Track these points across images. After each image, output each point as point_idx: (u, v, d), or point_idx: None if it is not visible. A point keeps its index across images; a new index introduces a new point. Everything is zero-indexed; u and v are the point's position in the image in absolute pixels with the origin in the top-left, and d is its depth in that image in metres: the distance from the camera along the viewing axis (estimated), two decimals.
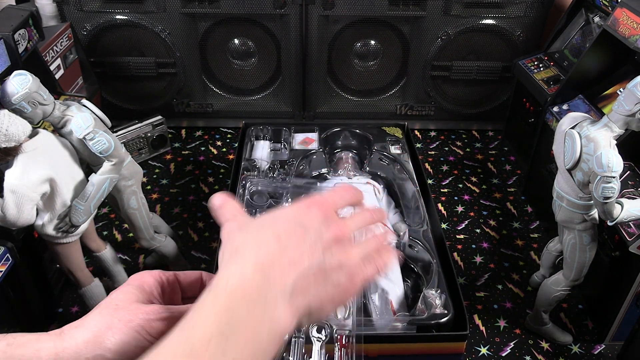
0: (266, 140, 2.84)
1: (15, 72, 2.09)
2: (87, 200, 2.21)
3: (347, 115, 3.95)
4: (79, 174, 2.29)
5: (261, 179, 0.64)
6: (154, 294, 0.54)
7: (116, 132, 3.35)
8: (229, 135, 4.02)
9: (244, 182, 2.45)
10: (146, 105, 3.86)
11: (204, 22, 3.60)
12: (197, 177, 3.60)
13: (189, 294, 0.60)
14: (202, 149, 3.87)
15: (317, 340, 0.59)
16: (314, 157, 2.75)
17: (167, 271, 0.57)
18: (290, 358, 0.59)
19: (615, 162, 1.85)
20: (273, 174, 2.48)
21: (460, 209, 3.37)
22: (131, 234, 2.99)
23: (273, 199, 0.63)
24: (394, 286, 2.07)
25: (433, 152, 3.89)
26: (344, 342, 0.61)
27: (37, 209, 2.14)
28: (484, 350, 2.53)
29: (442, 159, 3.83)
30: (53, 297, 2.66)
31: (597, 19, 3.05)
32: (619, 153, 1.89)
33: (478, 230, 3.21)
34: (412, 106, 3.96)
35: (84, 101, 2.39)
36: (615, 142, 1.93)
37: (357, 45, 3.74)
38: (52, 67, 2.98)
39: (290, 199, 0.67)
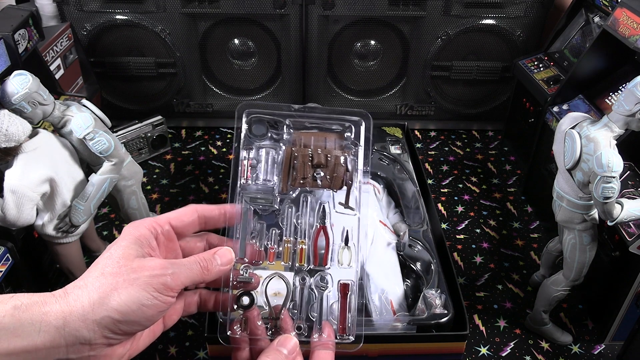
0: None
1: (15, 72, 2.09)
2: (87, 200, 2.22)
3: None
4: (79, 174, 2.29)
5: (260, 109, 0.59)
6: (151, 245, 0.53)
7: (116, 132, 3.35)
8: (229, 135, 4.02)
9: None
10: (146, 105, 3.86)
11: (204, 22, 3.60)
12: (197, 177, 3.59)
13: (186, 235, 0.59)
14: (202, 149, 3.87)
15: (320, 289, 0.59)
16: None
17: (160, 219, 0.56)
18: (295, 311, 0.58)
19: (615, 162, 1.85)
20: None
21: (460, 209, 3.37)
22: None
23: (273, 128, 0.58)
24: (394, 286, 2.07)
25: (433, 152, 3.89)
26: (345, 290, 0.60)
27: (37, 209, 2.14)
28: (484, 350, 2.53)
29: (442, 159, 3.83)
30: None
31: (597, 19, 3.05)
32: (619, 153, 1.89)
33: (478, 230, 3.21)
34: (412, 106, 3.96)
35: (84, 101, 2.39)
36: (615, 142, 1.93)
37: (357, 45, 3.74)
38: (52, 67, 2.98)
39: (291, 129, 0.63)
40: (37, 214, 2.16)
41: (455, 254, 3.04)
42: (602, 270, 2.45)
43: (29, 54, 2.67)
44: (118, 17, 3.48)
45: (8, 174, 2.02)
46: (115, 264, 0.49)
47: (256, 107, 0.64)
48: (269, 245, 0.61)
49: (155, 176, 3.59)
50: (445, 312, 1.87)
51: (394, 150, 2.79)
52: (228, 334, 0.57)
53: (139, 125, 3.54)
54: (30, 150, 2.04)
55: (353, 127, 0.65)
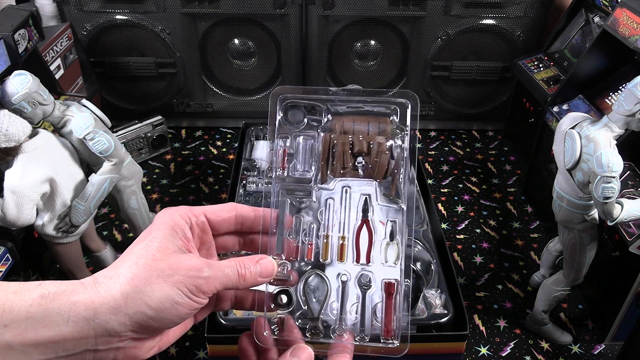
0: (266, 140, 2.84)
1: (15, 72, 2.09)
2: (87, 200, 2.22)
3: None
4: (79, 174, 2.29)
5: (296, 93, 0.54)
6: (186, 236, 0.51)
7: (116, 132, 3.35)
8: (229, 135, 4.02)
9: (244, 182, 2.45)
10: (146, 105, 3.86)
11: (204, 22, 3.60)
12: (197, 177, 3.59)
13: (222, 231, 0.56)
14: (202, 149, 3.87)
15: (363, 288, 0.55)
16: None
17: (196, 209, 0.53)
18: (335, 311, 0.56)
19: (615, 162, 1.85)
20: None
21: (460, 209, 3.37)
22: (131, 234, 2.99)
23: (311, 114, 0.52)
24: None
25: (433, 152, 3.89)
26: (390, 290, 0.56)
27: (37, 209, 2.14)
28: (484, 350, 2.53)
29: (442, 159, 3.83)
30: None
31: (597, 19, 3.05)
32: (619, 153, 1.89)
33: (478, 230, 3.21)
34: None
35: (84, 101, 2.39)
36: (615, 142, 1.93)
37: (357, 45, 3.74)
38: (52, 67, 2.98)
39: (330, 116, 0.58)
40: (37, 214, 2.16)
41: (455, 254, 3.04)
42: (602, 270, 2.45)
43: (29, 54, 2.67)
44: (118, 17, 3.48)
45: (8, 174, 2.02)
46: (150, 256, 0.47)
47: (291, 92, 0.59)
48: (307, 241, 0.57)
49: (155, 176, 3.59)
50: (445, 312, 1.87)
51: None
52: (265, 334, 0.53)
53: (139, 125, 3.54)
54: (30, 150, 2.04)
55: (399, 110, 0.57)
